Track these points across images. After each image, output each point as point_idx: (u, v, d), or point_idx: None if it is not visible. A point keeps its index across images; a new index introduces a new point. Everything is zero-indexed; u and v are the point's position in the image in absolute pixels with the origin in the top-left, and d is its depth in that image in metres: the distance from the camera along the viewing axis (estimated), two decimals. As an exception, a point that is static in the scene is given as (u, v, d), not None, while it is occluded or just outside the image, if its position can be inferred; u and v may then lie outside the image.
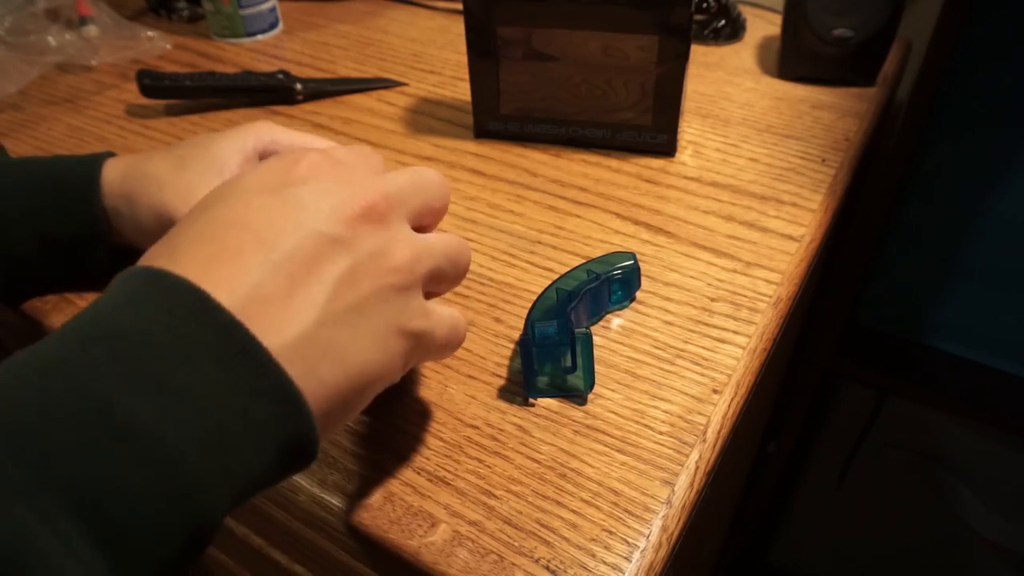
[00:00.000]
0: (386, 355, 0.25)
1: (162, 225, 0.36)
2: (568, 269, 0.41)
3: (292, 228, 0.23)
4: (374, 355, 0.24)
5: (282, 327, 0.22)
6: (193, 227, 0.24)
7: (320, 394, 0.23)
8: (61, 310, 0.41)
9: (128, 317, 0.20)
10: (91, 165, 0.38)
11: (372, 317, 0.24)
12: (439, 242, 0.27)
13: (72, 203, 0.37)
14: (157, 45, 0.74)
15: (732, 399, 0.36)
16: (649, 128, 0.54)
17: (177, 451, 0.19)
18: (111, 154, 0.40)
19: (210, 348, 0.20)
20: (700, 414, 0.35)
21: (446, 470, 0.33)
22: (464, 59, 0.55)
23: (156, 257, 0.23)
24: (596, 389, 0.36)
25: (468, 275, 0.44)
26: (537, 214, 0.49)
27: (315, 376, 0.22)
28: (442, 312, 0.28)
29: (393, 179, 0.27)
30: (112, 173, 0.38)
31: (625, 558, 0.29)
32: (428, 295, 0.28)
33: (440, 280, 0.28)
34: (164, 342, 0.20)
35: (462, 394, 0.36)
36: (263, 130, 0.38)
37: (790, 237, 0.47)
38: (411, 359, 0.26)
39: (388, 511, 0.31)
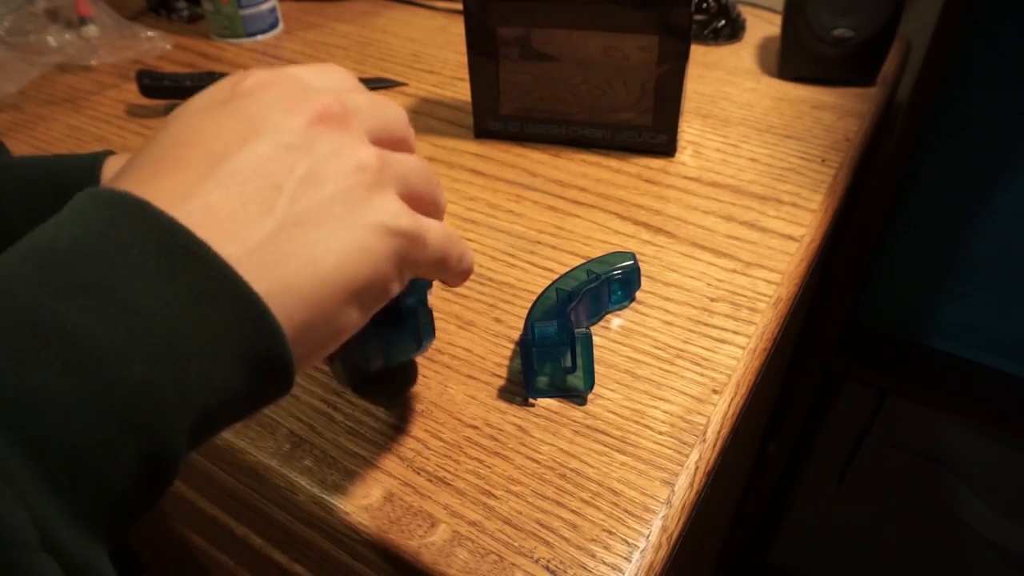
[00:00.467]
0: (367, 254, 0.23)
1: None
2: (568, 269, 0.41)
3: (241, 139, 0.22)
4: (351, 255, 0.22)
5: (238, 234, 0.20)
6: (141, 154, 0.22)
7: (290, 301, 0.21)
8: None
9: (64, 230, 0.19)
10: (91, 166, 0.38)
11: (344, 216, 0.22)
12: (404, 156, 0.26)
13: None
14: (157, 45, 0.74)
15: (732, 399, 0.36)
16: (649, 128, 0.54)
17: (119, 361, 0.17)
18: (111, 153, 0.40)
19: (152, 253, 0.19)
20: (700, 414, 0.35)
21: (446, 470, 0.33)
22: (464, 59, 0.55)
23: (104, 185, 0.22)
24: (596, 389, 0.36)
25: (468, 275, 0.44)
26: (537, 214, 0.49)
27: (280, 281, 0.21)
28: (431, 220, 0.26)
29: (349, 95, 0.25)
30: (111, 173, 0.38)
31: (625, 558, 0.29)
32: None
33: (417, 199, 0.26)
34: (101, 249, 0.18)
35: (462, 394, 0.36)
36: None
37: (790, 237, 0.47)
38: (405, 265, 0.24)
39: (388, 511, 0.31)
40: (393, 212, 0.24)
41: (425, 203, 0.26)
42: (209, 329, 0.19)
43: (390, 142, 0.26)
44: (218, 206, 0.20)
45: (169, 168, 0.21)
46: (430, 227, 0.25)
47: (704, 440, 0.34)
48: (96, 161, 0.38)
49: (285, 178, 0.22)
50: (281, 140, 0.22)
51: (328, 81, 0.26)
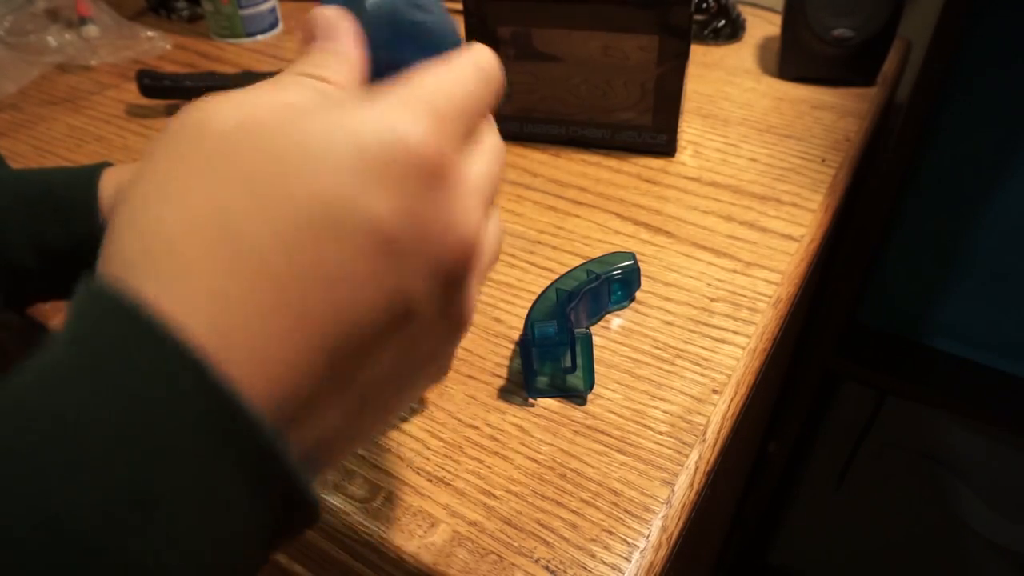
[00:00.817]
0: (412, 399, 0.22)
1: None
2: (568, 269, 0.41)
3: (385, 317, 0.17)
4: (400, 409, 0.21)
5: (315, 425, 0.17)
6: (243, 265, 0.16)
7: (328, 464, 0.19)
8: (62, 309, 0.41)
9: (99, 403, 0.14)
10: (88, 181, 0.37)
11: (423, 369, 0.20)
12: (494, 240, 0.22)
13: (70, 218, 0.37)
14: (157, 45, 0.74)
15: (732, 399, 0.36)
16: (649, 128, 0.54)
17: None
18: (108, 164, 0.39)
19: (226, 470, 0.15)
20: (700, 414, 0.35)
21: (446, 470, 0.33)
22: (464, 59, 0.55)
23: (181, 291, 0.16)
24: (596, 389, 0.36)
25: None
26: (537, 214, 0.49)
27: (331, 459, 0.19)
28: (469, 313, 0.22)
29: (484, 219, 0.20)
30: (108, 186, 0.38)
31: (625, 558, 0.29)
32: None
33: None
34: (150, 440, 0.14)
35: (462, 394, 0.36)
36: None
37: (790, 237, 0.47)
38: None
39: (388, 511, 0.31)
40: (452, 351, 0.22)
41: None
42: (254, 538, 0.16)
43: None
44: (312, 389, 0.16)
45: (286, 333, 0.16)
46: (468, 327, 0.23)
47: (704, 440, 0.34)
48: (93, 175, 0.38)
49: (388, 348, 0.18)
50: (405, 308, 0.18)
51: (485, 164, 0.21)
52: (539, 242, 0.47)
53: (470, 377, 0.37)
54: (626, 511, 0.31)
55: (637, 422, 0.35)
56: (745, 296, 0.42)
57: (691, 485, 0.32)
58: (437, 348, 0.20)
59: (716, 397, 0.36)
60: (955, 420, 0.83)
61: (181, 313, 0.15)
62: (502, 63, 0.22)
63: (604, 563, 0.29)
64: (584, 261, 0.43)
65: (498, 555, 0.29)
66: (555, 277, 0.41)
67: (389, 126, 0.17)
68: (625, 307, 0.41)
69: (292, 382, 0.16)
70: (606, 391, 0.36)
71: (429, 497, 0.32)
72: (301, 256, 0.16)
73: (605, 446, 0.34)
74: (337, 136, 0.17)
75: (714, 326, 0.40)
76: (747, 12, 0.77)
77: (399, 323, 0.18)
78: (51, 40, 0.70)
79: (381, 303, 0.17)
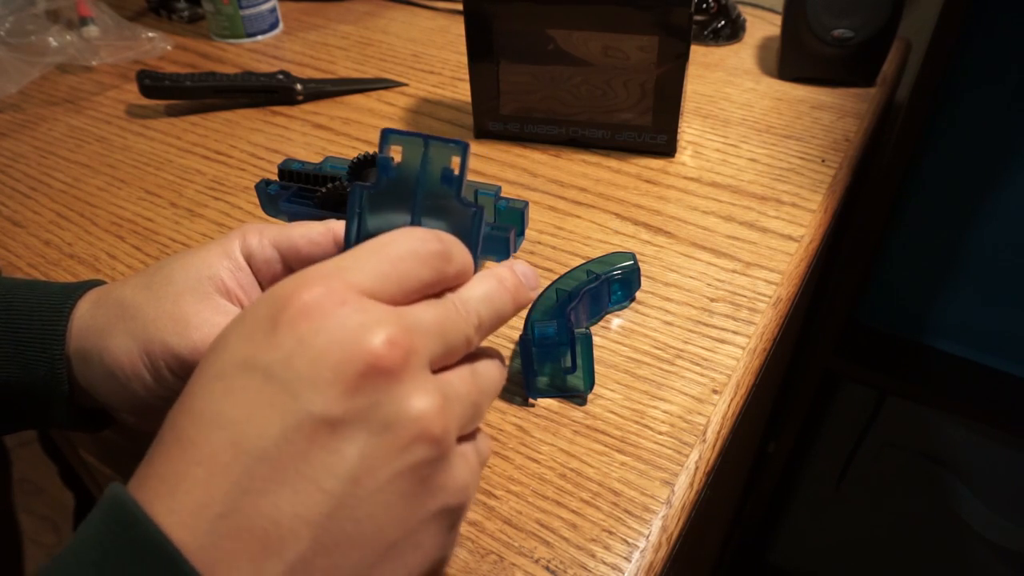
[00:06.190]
0: (423, 554, 0.20)
1: (142, 360, 0.28)
2: (568, 269, 0.41)
3: (278, 417, 0.18)
4: (410, 561, 0.20)
5: (266, 565, 0.18)
6: (169, 429, 0.20)
7: None
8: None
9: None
10: (58, 308, 0.30)
11: (398, 509, 0.19)
12: (466, 383, 0.22)
13: (27, 351, 0.30)
14: (158, 46, 0.74)
15: (732, 399, 0.36)
16: (649, 128, 0.54)
17: None
18: (78, 296, 0.31)
19: None
20: (700, 414, 0.35)
21: (446, 470, 0.33)
22: (464, 59, 0.55)
23: (138, 473, 0.20)
24: (596, 389, 0.36)
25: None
26: (537, 214, 0.49)
27: None
28: (472, 464, 0.23)
29: (417, 314, 0.21)
30: (81, 340, 0.30)
31: (625, 558, 0.29)
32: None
33: (472, 421, 0.23)
34: None
35: (462, 394, 0.36)
36: (251, 231, 0.30)
37: (790, 237, 0.47)
38: (452, 539, 0.22)
39: (388, 511, 0.31)
40: (450, 489, 0.21)
41: (482, 415, 0.24)
42: None
43: (452, 356, 0.23)
44: (243, 525, 0.18)
45: (192, 464, 0.19)
46: (476, 479, 0.23)
47: (704, 440, 0.34)
48: (60, 314, 0.30)
49: (330, 470, 0.19)
50: (323, 412, 0.19)
51: (404, 274, 0.22)
52: (539, 242, 0.47)
53: (470, 377, 0.37)
54: (626, 511, 0.31)
55: (637, 422, 0.35)
56: (745, 296, 0.42)
57: (691, 485, 0.32)
58: (399, 462, 0.20)
59: (716, 397, 0.36)
60: (955, 420, 0.83)
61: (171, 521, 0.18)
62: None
63: (604, 563, 0.29)
64: (584, 261, 0.43)
65: (498, 555, 0.29)
66: (555, 277, 0.41)
67: (354, 337, 0.19)
68: (625, 307, 0.41)
69: (215, 512, 0.18)
70: (606, 391, 0.36)
71: (429, 497, 0.32)
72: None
73: (605, 446, 0.34)
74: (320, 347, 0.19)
75: (714, 326, 0.40)
76: (747, 12, 0.78)
77: (320, 443, 0.19)
78: (52, 41, 0.70)
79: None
